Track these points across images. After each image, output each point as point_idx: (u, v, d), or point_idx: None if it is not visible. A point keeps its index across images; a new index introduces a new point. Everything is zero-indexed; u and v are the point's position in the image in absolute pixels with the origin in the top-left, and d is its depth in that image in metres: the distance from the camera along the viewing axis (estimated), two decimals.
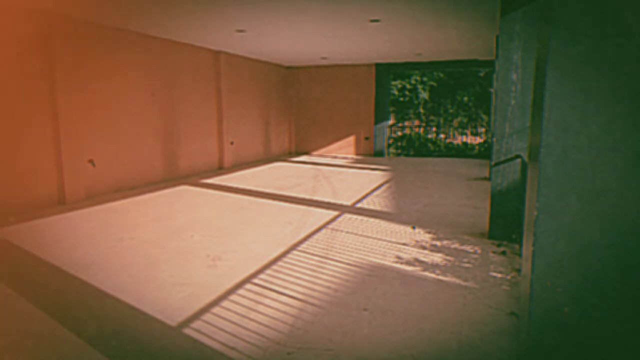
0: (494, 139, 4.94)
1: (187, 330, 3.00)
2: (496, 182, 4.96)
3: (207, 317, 3.19)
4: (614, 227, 1.81)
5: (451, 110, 18.95)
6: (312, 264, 4.26)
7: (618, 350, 1.86)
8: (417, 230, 5.47)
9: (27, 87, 6.45)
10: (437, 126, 18.34)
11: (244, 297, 3.53)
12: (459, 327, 3.04)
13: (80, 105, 7.22)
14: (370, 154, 14.31)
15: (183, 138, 9.83)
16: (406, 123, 18.61)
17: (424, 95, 18.86)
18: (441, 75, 18.88)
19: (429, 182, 9.23)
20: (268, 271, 4.08)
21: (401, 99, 19.09)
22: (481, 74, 18.02)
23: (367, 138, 14.30)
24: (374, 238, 5.14)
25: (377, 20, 7.19)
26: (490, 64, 12.53)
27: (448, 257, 4.43)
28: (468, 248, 4.76)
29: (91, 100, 7.45)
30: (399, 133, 16.14)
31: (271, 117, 13.86)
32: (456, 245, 4.84)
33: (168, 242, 4.97)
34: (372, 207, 6.84)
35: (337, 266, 4.21)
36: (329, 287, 3.71)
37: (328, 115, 14.67)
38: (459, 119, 18.71)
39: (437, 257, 4.43)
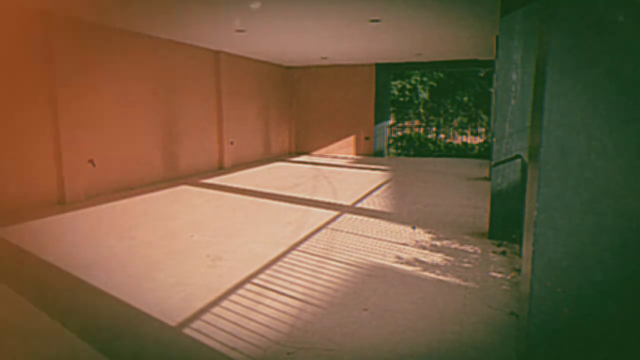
0: (494, 139, 4.94)
1: (187, 330, 3.00)
2: (496, 182, 4.96)
3: (207, 317, 3.19)
4: (614, 227, 1.81)
5: (451, 110, 18.94)
6: (312, 264, 4.26)
7: (618, 350, 1.86)
8: (417, 230, 5.47)
9: (27, 87, 6.45)
10: (437, 126, 18.34)
11: (244, 297, 3.53)
12: (459, 327, 3.04)
13: (80, 105, 7.22)
14: (370, 154, 14.31)
15: (183, 138, 9.83)
16: (406, 123, 18.60)
17: (424, 95, 18.85)
18: (441, 75, 18.87)
19: (429, 182, 9.23)
20: (268, 271, 4.08)
21: (401, 99, 19.08)
22: (481, 74, 18.01)
23: (367, 138, 14.30)
24: (374, 238, 5.14)
25: (377, 20, 7.19)
26: (490, 64, 12.53)
27: (448, 257, 4.43)
28: (468, 248, 4.76)
29: (91, 100, 7.45)
30: (399, 133, 16.13)
31: (271, 117, 13.85)
32: (456, 245, 4.84)
33: (168, 242, 4.96)
34: (372, 207, 6.84)
35: (337, 266, 4.21)
36: (329, 287, 3.71)
37: (328, 115, 14.67)
38: (459, 119, 18.70)
39: (437, 257, 4.43)
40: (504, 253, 4.58)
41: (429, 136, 16.74)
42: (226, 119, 11.21)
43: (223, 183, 9.02)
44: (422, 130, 17.25)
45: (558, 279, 1.89)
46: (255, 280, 3.86)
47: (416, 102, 19.07)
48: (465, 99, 18.67)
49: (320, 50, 10.83)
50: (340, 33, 8.38)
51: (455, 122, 18.63)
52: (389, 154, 14.75)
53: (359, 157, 14.18)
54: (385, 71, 13.85)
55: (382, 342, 2.85)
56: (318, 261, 4.35)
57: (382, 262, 4.32)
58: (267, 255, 4.51)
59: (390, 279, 3.88)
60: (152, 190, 8.13)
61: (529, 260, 1.99)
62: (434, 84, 18.93)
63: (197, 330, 2.99)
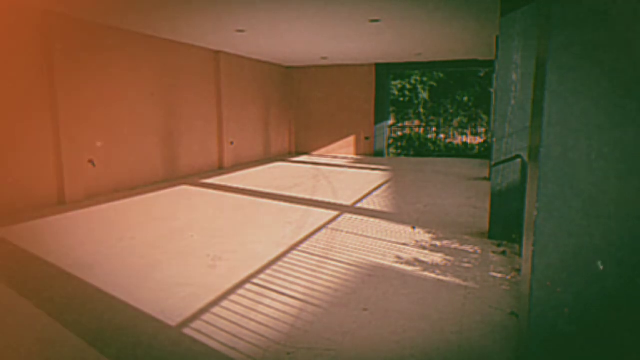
0: (494, 139, 4.94)
1: (187, 330, 3.00)
2: (496, 182, 4.96)
3: (207, 317, 3.19)
4: (614, 226, 1.81)
5: (451, 110, 18.94)
6: (312, 264, 4.26)
7: (618, 350, 1.86)
8: (417, 230, 5.47)
9: (27, 87, 6.45)
10: (437, 126, 18.33)
11: (244, 297, 3.53)
12: (459, 327, 3.04)
13: (80, 105, 7.22)
14: (370, 154, 14.31)
15: (183, 138, 9.83)
16: (406, 123, 18.59)
17: (424, 95, 18.86)
18: (441, 75, 18.87)
19: (429, 182, 9.23)
20: (268, 271, 4.08)
21: (401, 99, 19.08)
22: (481, 74, 18.01)
23: (367, 138, 14.30)
24: (374, 238, 5.14)
25: (377, 20, 7.19)
26: (490, 64, 12.53)
27: (448, 257, 4.43)
28: (468, 248, 4.76)
29: (91, 100, 7.45)
30: (399, 133, 16.13)
31: (271, 117, 13.86)
32: (456, 245, 4.84)
33: (168, 242, 4.97)
34: (372, 207, 6.84)
35: (337, 266, 4.21)
36: (329, 287, 3.71)
37: (328, 115, 14.67)
38: (459, 119, 18.70)
39: (437, 257, 4.43)
40: (504, 253, 4.58)
41: (429, 136, 16.73)
42: (226, 119, 11.21)
43: (223, 183, 9.02)
44: (422, 130, 17.24)
45: (558, 279, 1.89)
46: (256, 280, 3.86)
47: (416, 102, 19.07)
48: (465, 99, 18.67)
49: (320, 50, 10.83)
50: (340, 33, 8.38)
51: (455, 122, 18.62)
52: (389, 154, 14.74)
53: (359, 157, 14.18)
54: (385, 71, 13.85)
55: (382, 342, 2.85)
56: (318, 261, 4.35)
57: (382, 262, 4.32)
58: (267, 255, 4.51)
59: (390, 279, 3.88)
60: (152, 190, 8.13)
61: (529, 260, 1.99)
62: (434, 84, 18.93)
63: (197, 330, 2.99)
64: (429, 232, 5.36)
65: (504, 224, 4.97)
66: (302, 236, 5.20)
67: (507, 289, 3.66)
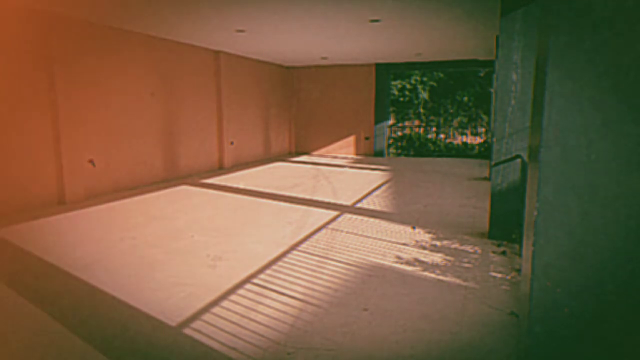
0: (494, 139, 4.94)
1: (187, 330, 3.00)
2: (496, 182, 4.96)
3: (207, 317, 3.19)
4: (614, 227, 1.80)
5: (451, 110, 18.93)
6: (312, 264, 4.26)
7: (619, 350, 1.86)
8: (417, 230, 5.47)
9: (27, 87, 6.45)
10: (437, 126, 18.33)
11: (244, 297, 3.53)
12: (459, 327, 3.04)
13: (80, 105, 7.22)
14: (370, 154, 14.31)
15: (183, 138, 9.83)
16: (406, 123, 18.59)
17: (424, 95, 18.85)
18: (441, 75, 18.87)
19: (429, 182, 9.23)
20: (268, 271, 4.08)
21: (401, 99, 19.08)
22: (481, 74, 18.00)
23: (367, 138, 14.30)
24: (374, 238, 5.14)
25: (377, 20, 7.19)
26: (490, 64, 12.53)
27: (448, 257, 4.43)
28: (468, 248, 4.76)
29: (91, 100, 7.45)
30: (399, 133, 16.13)
31: (271, 117, 13.86)
32: (456, 245, 4.84)
33: (168, 242, 4.97)
34: (372, 207, 6.84)
35: (337, 266, 4.21)
36: (329, 287, 3.71)
37: (328, 115, 14.67)
38: (459, 119, 18.70)
39: (437, 257, 4.43)
40: (504, 253, 4.58)
41: (429, 136, 16.74)
42: (226, 119, 11.21)
43: (223, 183, 9.02)
44: (422, 130, 17.24)
45: (558, 279, 1.89)
46: (256, 280, 3.86)
47: (416, 102, 19.07)
48: (465, 99, 18.67)
49: (320, 50, 10.83)
50: (340, 33, 8.38)
51: (455, 122, 18.61)
52: (389, 154, 14.75)
53: (359, 157, 14.18)
54: (385, 71, 13.85)
55: (382, 342, 2.85)
56: (318, 261, 4.35)
57: (382, 262, 4.32)
58: (267, 255, 4.51)
59: (390, 279, 3.88)
60: (152, 190, 8.13)
61: (529, 260, 1.98)
62: (434, 84, 18.92)
63: (197, 330, 2.99)
64: (429, 232, 5.36)
65: (504, 224, 4.97)
66: (302, 236, 5.20)
67: (507, 289, 3.66)
